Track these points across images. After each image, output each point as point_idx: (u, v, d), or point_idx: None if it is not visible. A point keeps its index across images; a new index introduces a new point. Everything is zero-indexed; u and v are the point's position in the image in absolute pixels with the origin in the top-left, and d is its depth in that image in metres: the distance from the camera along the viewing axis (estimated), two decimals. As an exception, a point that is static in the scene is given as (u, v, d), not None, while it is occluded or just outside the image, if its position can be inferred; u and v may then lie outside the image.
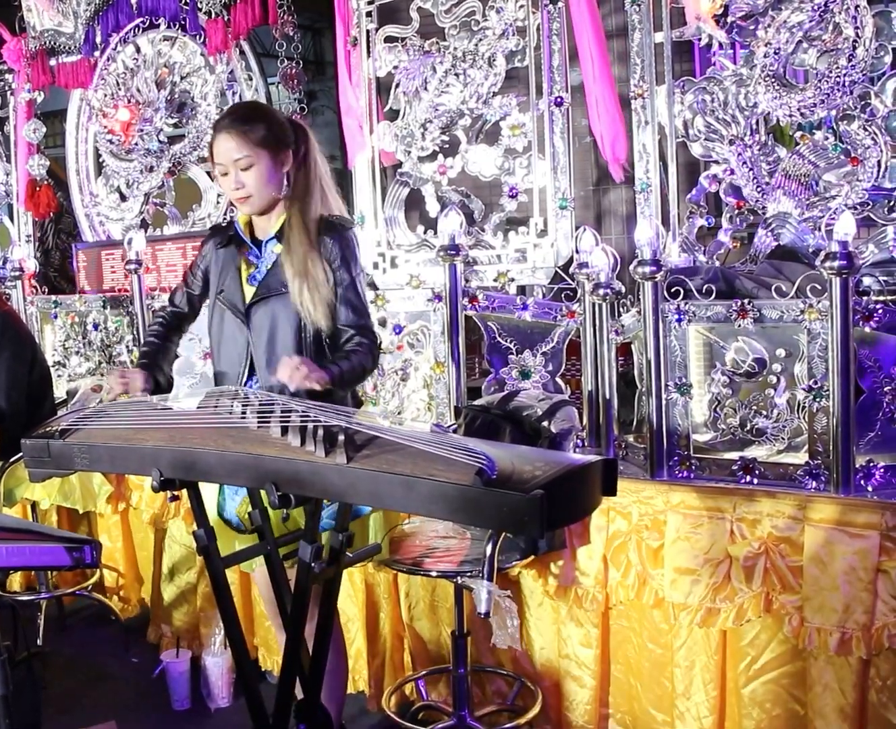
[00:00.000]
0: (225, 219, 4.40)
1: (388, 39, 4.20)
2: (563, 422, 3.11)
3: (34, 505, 4.47)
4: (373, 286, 4.15)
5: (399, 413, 3.84)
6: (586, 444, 3.43)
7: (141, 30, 5.01)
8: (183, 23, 4.78)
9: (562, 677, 3.40)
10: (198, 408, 2.49)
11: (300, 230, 2.82)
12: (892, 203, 3.40)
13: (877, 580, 2.79)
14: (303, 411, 2.24)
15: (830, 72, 3.30)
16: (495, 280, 3.83)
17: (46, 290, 5.34)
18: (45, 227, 6.01)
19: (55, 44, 5.28)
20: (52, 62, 5.33)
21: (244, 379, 2.90)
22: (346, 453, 2.04)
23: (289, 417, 2.23)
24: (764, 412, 3.12)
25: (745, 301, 3.08)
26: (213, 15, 4.54)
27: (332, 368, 2.70)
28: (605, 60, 3.68)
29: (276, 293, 2.85)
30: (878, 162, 3.34)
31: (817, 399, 2.97)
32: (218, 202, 4.89)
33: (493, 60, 3.92)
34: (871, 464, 2.92)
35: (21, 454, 2.68)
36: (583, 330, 3.44)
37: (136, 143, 5.05)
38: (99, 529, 4.82)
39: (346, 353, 2.81)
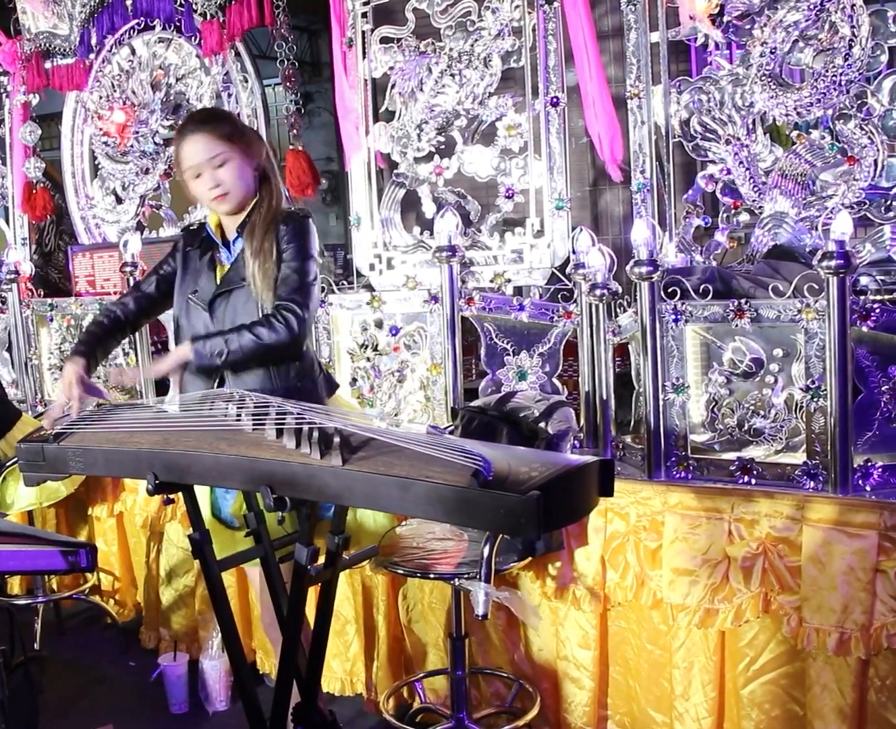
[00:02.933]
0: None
1: (384, 40, 4.18)
2: (560, 423, 3.11)
3: (31, 510, 4.47)
4: (369, 288, 4.15)
5: (396, 414, 3.83)
6: (583, 444, 3.42)
7: (136, 31, 4.99)
8: (178, 24, 4.76)
9: (560, 679, 3.40)
10: (193, 411, 2.48)
11: (267, 218, 2.87)
12: (888, 202, 3.39)
13: (875, 580, 2.79)
14: (298, 414, 2.23)
15: (827, 71, 3.30)
16: (492, 281, 3.82)
17: (42, 293, 5.32)
18: (44, 230, 6.00)
19: (50, 46, 5.27)
20: (48, 65, 5.32)
21: (218, 380, 2.91)
22: (341, 455, 2.03)
23: (284, 419, 2.22)
24: (761, 412, 3.11)
25: (742, 301, 3.07)
26: (209, 16, 4.53)
27: (198, 344, 2.76)
28: (599, 60, 3.67)
29: (236, 287, 2.89)
30: (875, 161, 3.33)
31: (815, 399, 2.96)
32: (213, 204, 4.87)
33: (489, 61, 3.91)
34: (869, 463, 2.92)
35: (16, 459, 2.67)
36: (580, 331, 3.43)
37: (132, 146, 5.04)
38: (95, 532, 4.82)
39: (238, 327, 2.80)
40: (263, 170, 2.95)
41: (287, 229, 2.86)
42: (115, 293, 4.98)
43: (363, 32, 4.20)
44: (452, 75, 3.98)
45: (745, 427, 3.14)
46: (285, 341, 2.77)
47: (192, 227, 3.15)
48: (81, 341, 2.97)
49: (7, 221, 5.72)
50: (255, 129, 3.01)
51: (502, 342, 3.63)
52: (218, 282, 2.95)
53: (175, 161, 2.94)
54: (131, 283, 4.45)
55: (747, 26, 3.49)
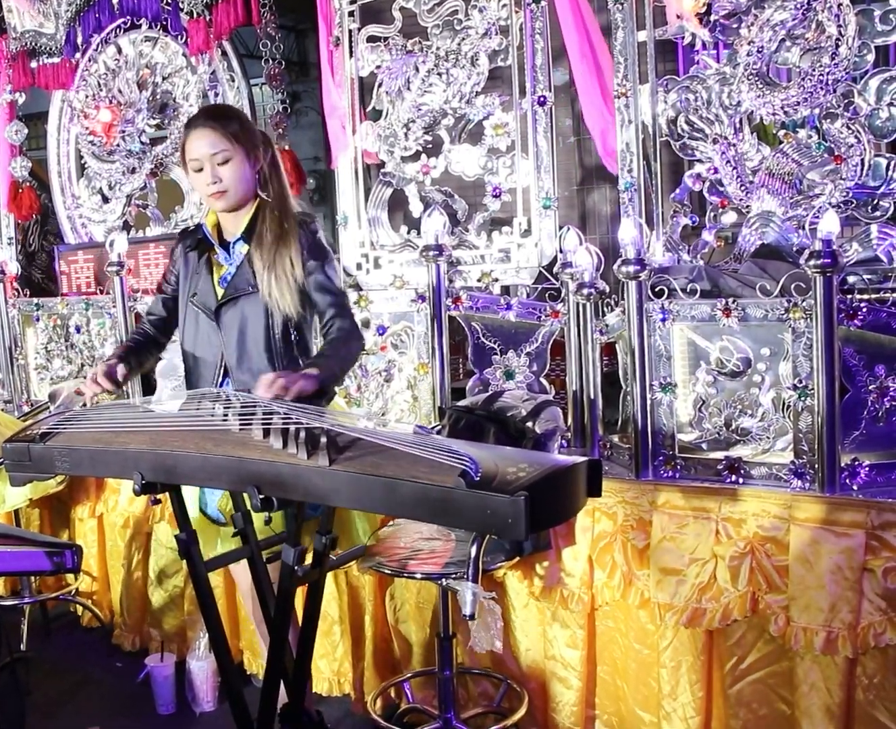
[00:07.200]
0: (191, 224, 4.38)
1: (371, 39, 4.18)
2: (547, 422, 3.10)
3: (16, 510, 4.45)
4: (356, 287, 4.14)
5: (383, 414, 3.83)
6: (571, 444, 3.42)
7: (122, 30, 4.97)
8: (165, 23, 4.75)
9: (548, 679, 3.39)
10: (180, 410, 2.47)
11: (274, 226, 2.88)
12: (875, 201, 3.39)
13: (862, 579, 2.79)
14: (285, 413, 2.22)
15: (814, 70, 3.30)
16: (479, 280, 3.82)
17: (28, 292, 5.31)
18: (28, 230, 5.98)
19: (36, 45, 5.25)
20: (33, 63, 5.30)
21: (219, 380, 2.92)
22: (328, 456, 2.02)
23: (270, 419, 2.21)
24: (749, 411, 3.12)
25: (730, 300, 3.07)
26: (195, 15, 4.51)
27: (312, 371, 2.59)
28: (587, 53, 3.66)
29: (244, 293, 2.90)
30: (862, 160, 3.33)
31: (802, 398, 2.96)
32: (200, 204, 4.86)
33: (476, 60, 3.91)
34: (857, 462, 2.92)
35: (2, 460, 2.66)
36: (567, 330, 3.43)
37: (118, 145, 5.02)
38: (77, 534, 4.79)
39: (327, 345, 2.83)
40: (267, 173, 2.95)
41: (304, 237, 2.89)
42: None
43: (350, 31, 4.20)
44: (439, 74, 3.98)
45: (733, 426, 3.14)
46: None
47: (188, 229, 3.18)
48: (117, 349, 3.17)
49: (-7, 221, 5.70)
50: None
51: (489, 341, 3.62)
52: (216, 283, 2.96)
53: (181, 151, 2.96)
54: (119, 282, 4.44)
55: (734, 25, 3.48)
